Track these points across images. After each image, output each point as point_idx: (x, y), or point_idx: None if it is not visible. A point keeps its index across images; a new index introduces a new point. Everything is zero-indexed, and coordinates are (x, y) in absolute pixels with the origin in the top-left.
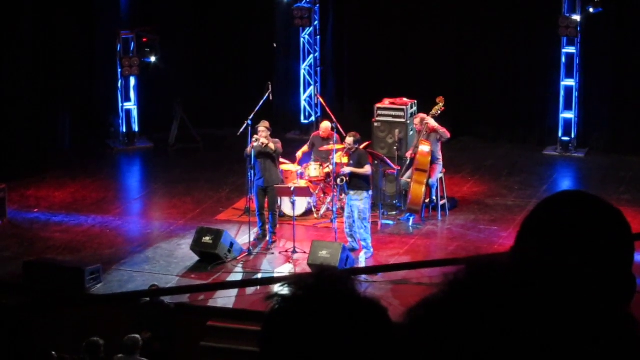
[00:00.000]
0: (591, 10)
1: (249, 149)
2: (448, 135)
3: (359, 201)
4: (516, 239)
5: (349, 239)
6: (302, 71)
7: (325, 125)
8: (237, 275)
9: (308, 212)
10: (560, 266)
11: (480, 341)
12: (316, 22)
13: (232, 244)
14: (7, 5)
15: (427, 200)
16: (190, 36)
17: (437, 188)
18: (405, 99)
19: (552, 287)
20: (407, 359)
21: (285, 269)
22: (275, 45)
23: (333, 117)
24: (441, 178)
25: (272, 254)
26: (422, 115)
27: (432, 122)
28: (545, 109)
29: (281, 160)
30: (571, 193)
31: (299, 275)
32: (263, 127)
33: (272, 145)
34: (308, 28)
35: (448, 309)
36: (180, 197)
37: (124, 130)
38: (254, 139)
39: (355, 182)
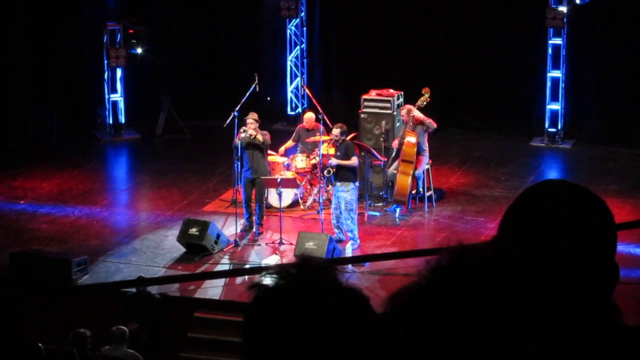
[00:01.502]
0: (578, 1)
1: (236, 140)
2: (434, 125)
3: (346, 192)
4: (499, 228)
5: (336, 230)
6: (289, 62)
7: (309, 115)
8: (224, 267)
9: (295, 204)
10: (541, 254)
11: (461, 327)
12: (303, 14)
13: (219, 236)
14: None
15: (413, 192)
16: (177, 27)
17: (423, 179)
18: (391, 90)
19: (533, 274)
20: (389, 346)
21: (272, 260)
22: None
23: (320, 109)
24: (428, 169)
25: (259, 245)
26: (408, 106)
27: (417, 114)
28: (532, 100)
29: (270, 152)
30: (554, 182)
31: (282, 265)
32: (252, 118)
33: (260, 137)
34: (295, 19)
35: (430, 295)
36: (167, 188)
37: (111, 121)
38: (241, 130)
39: (342, 174)
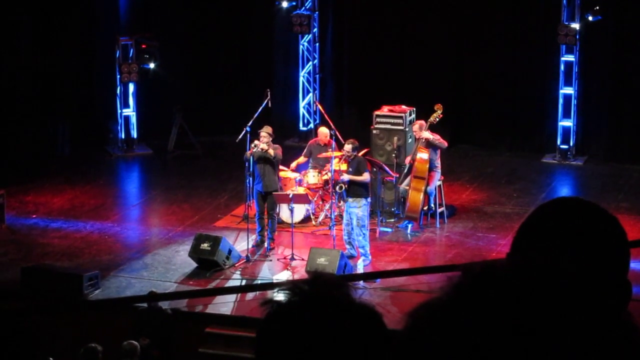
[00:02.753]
0: (590, 18)
1: (248, 153)
2: (445, 145)
3: (358, 208)
4: (512, 245)
5: (347, 246)
6: (301, 78)
7: (324, 130)
8: (235, 282)
9: (306, 219)
10: (557, 271)
11: (481, 343)
12: (315, 29)
13: (230, 251)
14: (6, 12)
15: (425, 208)
16: (190, 43)
17: (435, 196)
18: (404, 107)
19: (551, 292)
20: None
21: (284, 276)
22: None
23: (332, 124)
24: (439, 185)
25: (271, 260)
26: (421, 121)
27: (427, 135)
28: (544, 117)
29: (281, 167)
30: (567, 200)
31: (294, 281)
32: (265, 132)
33: (271, 151)
34: (307, 35)
35: (450, 311)
36: (179, 203)
37: (123, 136)
38: (252, 145)
39: (354, 190)
